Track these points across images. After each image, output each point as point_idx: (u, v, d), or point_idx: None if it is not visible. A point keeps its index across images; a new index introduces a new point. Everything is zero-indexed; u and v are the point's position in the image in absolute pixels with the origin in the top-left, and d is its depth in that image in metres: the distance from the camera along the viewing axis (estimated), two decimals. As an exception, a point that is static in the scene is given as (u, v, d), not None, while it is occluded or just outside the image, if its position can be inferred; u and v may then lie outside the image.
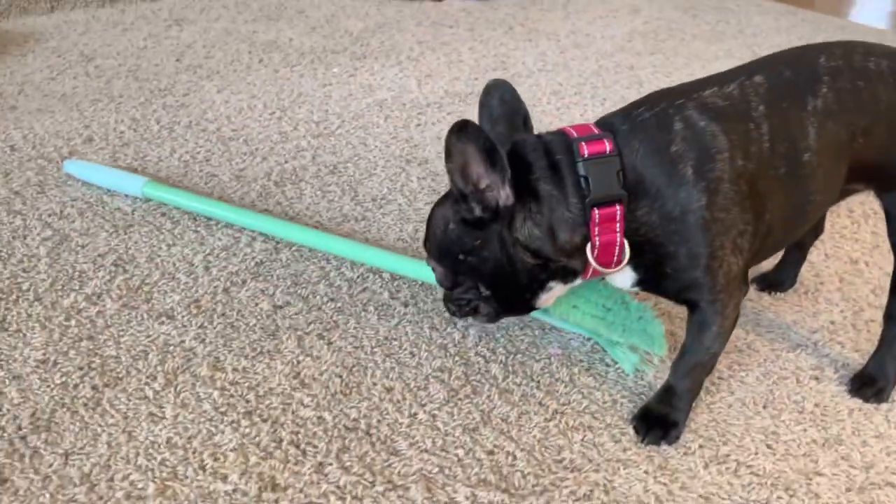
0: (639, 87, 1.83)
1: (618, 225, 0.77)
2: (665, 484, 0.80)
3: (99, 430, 0.80)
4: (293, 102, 1.57)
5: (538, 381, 0.92)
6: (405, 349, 0.95)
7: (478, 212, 0.78)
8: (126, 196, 1.20)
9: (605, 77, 1.88)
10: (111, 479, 0.75)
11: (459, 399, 0.88)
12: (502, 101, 0.85)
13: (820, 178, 0.81)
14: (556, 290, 0.83)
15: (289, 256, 1.10)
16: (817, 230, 1.08)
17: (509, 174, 0.75)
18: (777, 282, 1.11)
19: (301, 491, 0.75)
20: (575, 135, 0.78)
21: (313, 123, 1.50)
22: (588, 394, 0.91)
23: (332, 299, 1.02)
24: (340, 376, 0.90)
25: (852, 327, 1.05)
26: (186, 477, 0.76)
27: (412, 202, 1.27)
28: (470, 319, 0.91)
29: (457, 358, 0.94)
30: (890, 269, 0.92)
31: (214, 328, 0.95)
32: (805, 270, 1.12)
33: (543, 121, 1.61)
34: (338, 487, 0.76)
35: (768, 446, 0.86)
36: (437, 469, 0.79)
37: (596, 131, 0.79)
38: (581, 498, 0.78)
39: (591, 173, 0.76)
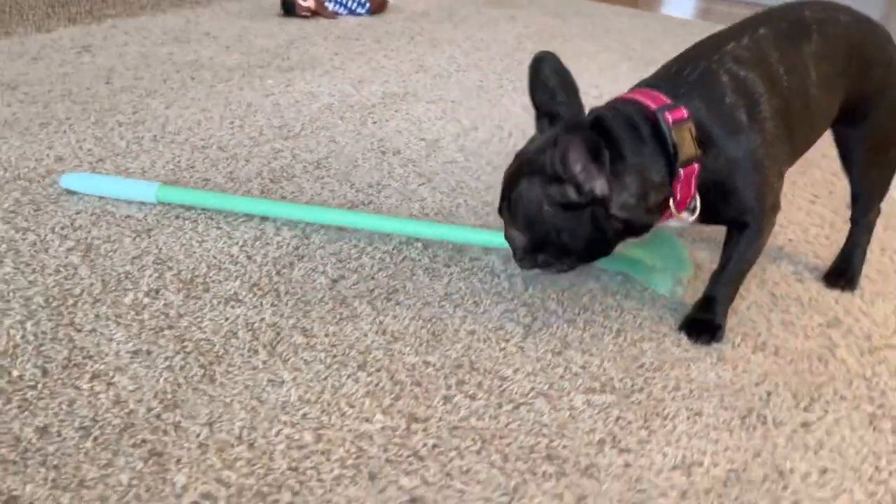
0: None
1: (694, 179, 0.89)
2: (729, 370, 0.94)
3: (228, 399, 0.81)
4: (246, 112, 1.59)
5: (592, 310, 1.03)
6: (468, 300, 1.02)
7: (574, 196, 0.86)
8: (130, 203, 1.18)
9: (517, 71, 2.04)
10: (265, 436, 0.77)
11: (535, 331, 0.97)
12: (555, 71, 0.93)
13: (822, 108, 0.98)
14: (631, 240, 0.94)
15: (321, 239, 1.14)
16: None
17: (608, 168, 0.84)
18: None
19: (441, 419, 0.81)
20: (651, 104, 0.89)
21: (276, 128, 1.53)
22: (637, 314, 1.03)
23: (380, 269, 1.08)
24: (425, 328, 0.96)
25: (806, 242, 1.26)
26: (333, 424, 0.79)
27: (406, 185, 1.34)
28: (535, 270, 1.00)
29: (515, 301, 1.03)
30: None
31: (287, 305, 0.98)
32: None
33: (481, 111, 1.74)
34: (471, 412, 0.83)
35: (792, 332, 1.02)
36: (547, 385, 0.88)
37: (667, 99, 0.89)
38: (672, 388, 0.89)
39: (678, 139, 0.87)
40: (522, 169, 0.91)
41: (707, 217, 0.96)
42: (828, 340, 1.02)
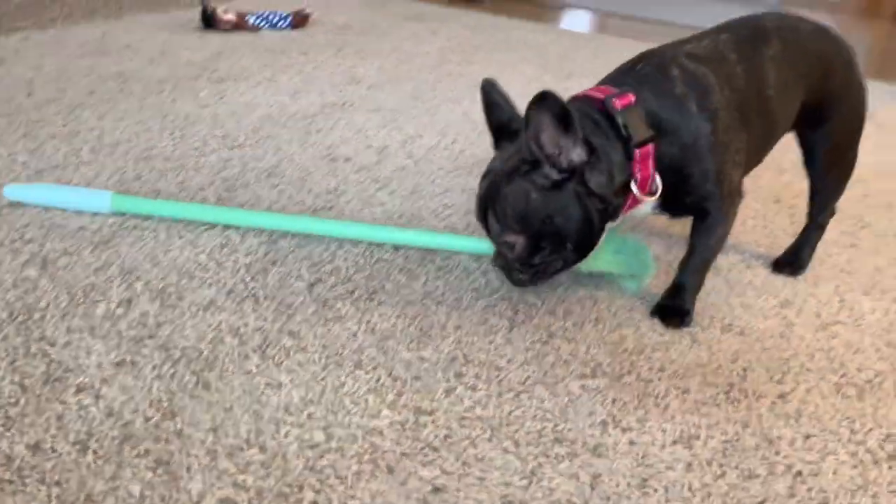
0: (476, 87, 2.05)
1: (650, 161, 0.93)
2: (705, 351, 0.98)
3: (228, 404, 0.78)
4: (184, 123, 1.55)
5: (568, 301, 1.06)
6: (449, 297, 1.03)
7: (555, 175, 0.89)
8: (80, 214, 1.12)
9: (448, 82, 2.07)
10: (274, 438, 0.75)
11: (519, 324, 0.99)
12: (500, 93, 0.99)
13: (780, 110, 1.05)
14: (606, 229, 0.97)
15: (290, 244, 1.12)
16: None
17: (580, 134, 0.88)
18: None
19: (448, 411, 0.82)
20: (600, 95, 0.93)
21: (219, 138, 1.49)
22: (611, 303, 1.07)
23: (356, 271, 1.07)
24: (412, 325, 0.96)
25: (745, 233, 1.34)
26: (341, 422, 0.78)
27: (364, 190, 1.34)
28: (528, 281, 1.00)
29: (495, 297, 1.05)
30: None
31: (268, 309, 0.95)
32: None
33: (421, 120, 1.76)
34: (475, 402, 0.83)
35: (752, 314, 1.08)
36: (541, 373, 0.90)
37: (614, 89, 0.94)
38: (658, 370, 0.93)
39: (628, 121, 0.91)
40: (498, 179, 0.93)
41: (671, 205, 1.00)
42: (784, 320, 1.08)
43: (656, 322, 1.03)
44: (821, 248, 1.29)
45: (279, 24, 2.45)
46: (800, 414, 0.88)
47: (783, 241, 1.31)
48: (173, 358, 0.84)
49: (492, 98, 0.99)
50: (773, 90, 1.02)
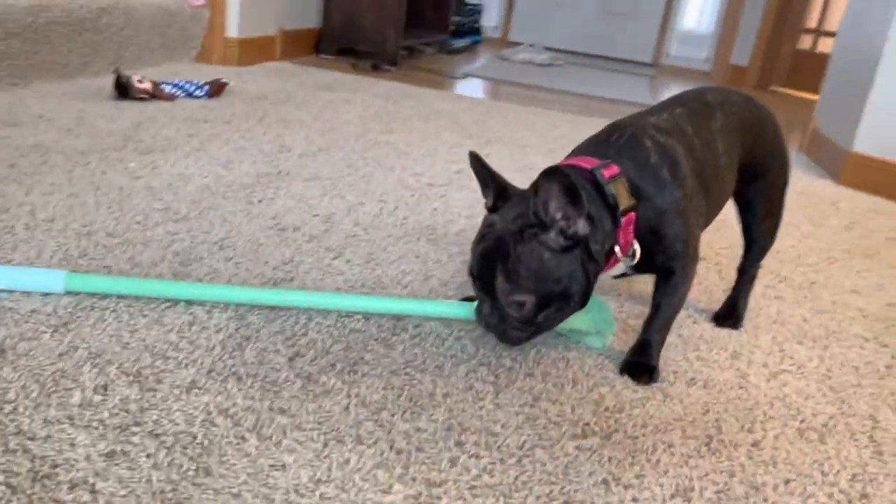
0: (405, 154, 2.10)
1: (632, 227, 1.00)
2: (678, 405, 1.03)
3: (235, 490, 0.75)
4: (120, 196, 1.49)
5: (544, 364, 1.09)
6: (430, 365, 1.04)
7: (562, 241, 0.95)
8: (29, 296, 1.06)
9: (376, 151, 2.11)
10: (292, 524, 0.72)
11: (504, 387, 1.01)
12: (484, 165, 1.04)
13: (728, 176, 1.15)
14: None
15: (259, 318, 1.09)
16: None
17: (586, 209, 0.94)
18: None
19: (457, 481, 0.82)
20: (587, 166, 1.01)
21: (160, 211, 1.45)
22: (582, 363, 1.10)
23: (333, 342, 1.06)
24: (402, 395, 0.96)
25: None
26: (355, 500, 0.76)
27: (320, 260, 1.33)
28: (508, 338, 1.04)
29: (473, 362, 1.06)
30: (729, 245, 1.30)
31: (253, 387, 0.93)
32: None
33: (359, 187, 1.78)
34: (481, 470, 0.84)
35: (709, 366, 1.15)
36: (536, 437, 0.91)
37: (598, 161, 1.01)
38: (641, 426, 0.97)
39: (616, 191, 0.99)
40: (506, 239, 0.97)
41: (641, 265, 1.07)
42: (738, 371, 1.15)
43: (627, 380, 1.07)
44: (752, 301, 1.39)
45: (196, 92, 2.42)
46: (775, 460, 0.94)
47: (718, 295, 1.40)
48: (166, 445, 0.80)
49: (484, 165, 1.03)
50: (722, 158, 1.12)
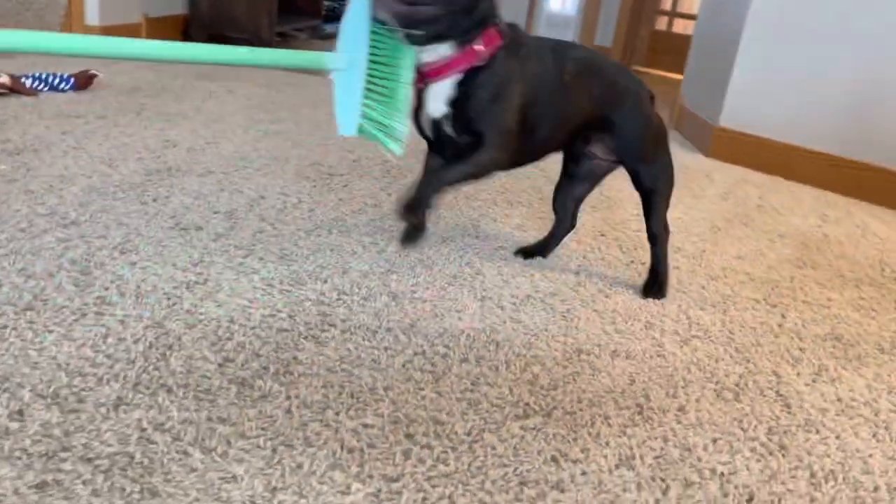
0: (298, 143, 2.05)
1: (493, 46, 1.15)
2: (607, 378, 1.07)
3: (189, 509, 0.72)
4: (5, 202, 1.37)
5: (476, 348, 1.10)
6: (365, 359, 1.02)
7: None
8: (-85, 320, 0.95)
9: (268, 142, 2.04)
10: (256, 536, 0.70)
11: (442, 374, 1.01)
12: None
13: (573, 105, 1.26)
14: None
15: (179, 326, 1.04)
16: (573, 223, 1.49)
17: None
18: (538, 250, 1.48)
19: (413, 473, 0.81)
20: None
21: (46, 216, 1.34)
22: (512, 345, 1.12)
23: (262, 344, 1.02)
24: (343, 392, 0.94)
25: (596, 262, 1.48)
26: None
27: (231, 259, 1.28)
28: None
29: (408, 351, 1.06)
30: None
31: (187, 398, 0.88)
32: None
33: (257, 181, 1.72)
34: (436, 460, 0.84)
35: (627, 338, 1.20)
36: (482, 421, 0.92)
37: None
38: (576, 401, 1.00)
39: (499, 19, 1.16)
40: None
41: (460, 117, 1.15)
42: (654, 340, 1.21)
43: (557, 357, 1.11)
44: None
45: (61, 86, 2.25)
46: (700, 422, 1.00)
47: (621, 269, 1.47)
48: (102, 469, 0.75)
49: None
50: (571, 86, 1.24)
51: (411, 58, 1.13)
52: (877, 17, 2.38)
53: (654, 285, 1.38)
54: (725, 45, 2.85)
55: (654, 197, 1.37)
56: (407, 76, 1.13)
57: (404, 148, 1.11)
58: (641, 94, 1.35)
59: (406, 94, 1.14)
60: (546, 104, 1.22)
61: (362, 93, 1.12)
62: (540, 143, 1.27)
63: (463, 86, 1.14)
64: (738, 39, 2.70)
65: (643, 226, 1.40)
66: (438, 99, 1.15)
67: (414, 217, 1.15)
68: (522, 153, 1.25)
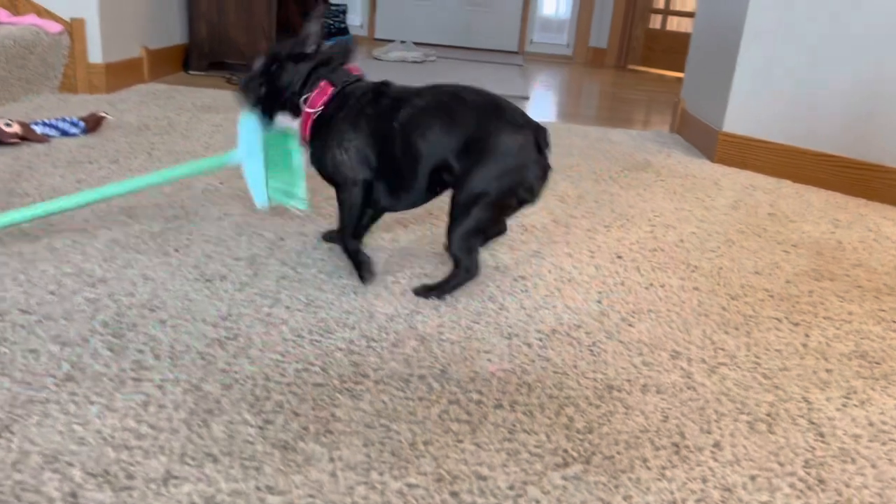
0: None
1: (325, 97, 1.39)
2: (640, 416, 1.09)
3: (249, 588, 0.73)
4: (24, 263, 1.38)
5: (509, 392, 1.11)
6: (402, 412, 1.04)
7: (294, 52, 1.39)
8: (-41, 400, 0.97)
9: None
10: None
11: (479, 424, 1.02)
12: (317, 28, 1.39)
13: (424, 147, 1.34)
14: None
15: (215, 388, 1.05)
16: (501, 229, 1.51)
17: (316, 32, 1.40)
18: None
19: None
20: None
21: (73, 276, 1.35)
22: (544, 386, 1.14)
23: (299, 402, 1.04)
24: (384, 451, 0.95)
25: (612, 291, 1.49)
26: (372, 576, 0.76)
27: (258, 310, 1.29)
28: None
29: (443, 401, 1.07)
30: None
31: (233, 467, 0.89)
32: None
33: (275, 220, 1.73)
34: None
35: (653, 369, 1.21)
36: (523, 473, 0.94)
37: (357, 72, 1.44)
38: (614, 444, 1.01)
39: (336, 72, 1.42)
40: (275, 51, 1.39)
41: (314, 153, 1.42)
42: (682, 370, 1.22)
43: (589, 395, 1.12)
44: (675, 295, 1.47)
45: (71, 130, 2.27)
46: (737, 458, 1.01)
47: (641, 293, 1.48)
48: (161, 550, 0.76)
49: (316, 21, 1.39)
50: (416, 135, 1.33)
51: (294, 137, 1.45)
52: (879, 14, 2.39)
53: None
54: (725, 47, 2.86)
55: None
56: (295, 150, 1.50)
57: (309, 203, 1.39)
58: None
59: (298, 162, 1.51)
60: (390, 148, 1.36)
61: (264, 172, 1.41)
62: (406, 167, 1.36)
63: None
64: (738, 41, 2.71)
65: (658, 244, 1.41)
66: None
67: (368, 277, 1.42)
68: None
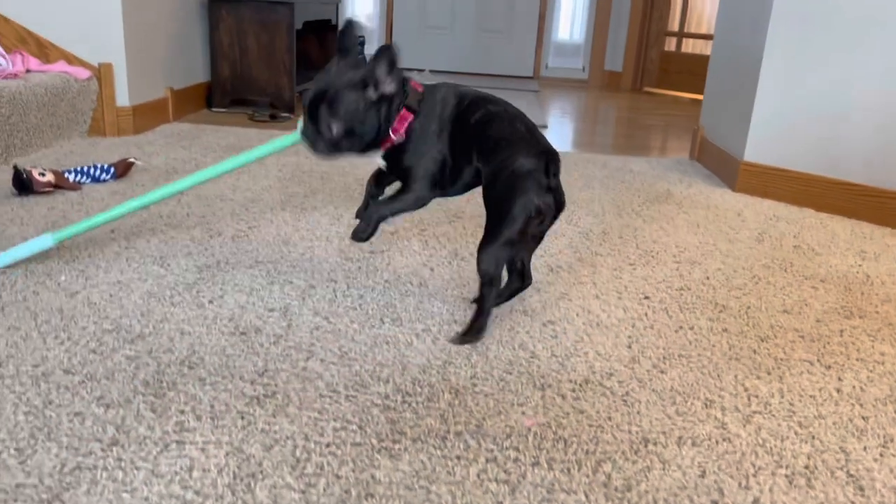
0: (336, 219, 2.08)
1: (406, 123, 1.44)
2: (677, 471, 1.09)
3: None
4: (64, 320, 1.41)
5: (545, 448, 1.12)
6: (440, 472, 1.05)
7: (373, 97, 1.39)
8: (8, 467, 0.99)
9: (307, 219, 2.08)
10: None
11: (517, 483, 1.03)
12: (353, 33, 1.43)
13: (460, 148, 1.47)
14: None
15: (257, 450, 1.07)
16: (525, 283, 1.57)
17: (398, 76, 1.39)
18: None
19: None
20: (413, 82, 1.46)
21: (112, 332, 1.38)
22: (580, 441, 1.14)
23: (340, 464, 1.05)
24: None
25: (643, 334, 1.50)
26: None
27: (294, 365, 1.31)
28: None
29: (481, 460, 1.08)
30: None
31: (278, 534, 0.91)
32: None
33: (305, 265, 1.75)
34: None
35: (687, 420, 1.22)
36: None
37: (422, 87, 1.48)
38: (653, 501, 1.02)
39: (410, 92, 1.45)
40: (334, 84, 1.36)
41: (394, 166, 1.50)
42: (716, 420, 1.23)
43: (625, 450, 1.12)
44: (704, 338, 1.47)
45: (102, 176, 2.32)
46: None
47: (671, 336, 1.48)
48: None
49: (348, 29, 1.42)
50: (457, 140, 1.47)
51: None
52: (897, 49, 2.40)
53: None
54: (744, 74, 2.86)
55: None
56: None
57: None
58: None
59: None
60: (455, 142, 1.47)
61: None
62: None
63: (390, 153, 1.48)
64: (757, 69, 2.72)
65: (685, 282, 1.42)
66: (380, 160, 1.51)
67: (364, 240, 1.51)
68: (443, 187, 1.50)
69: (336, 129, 1.37)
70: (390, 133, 1.42)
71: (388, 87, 1.37)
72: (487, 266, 1.39)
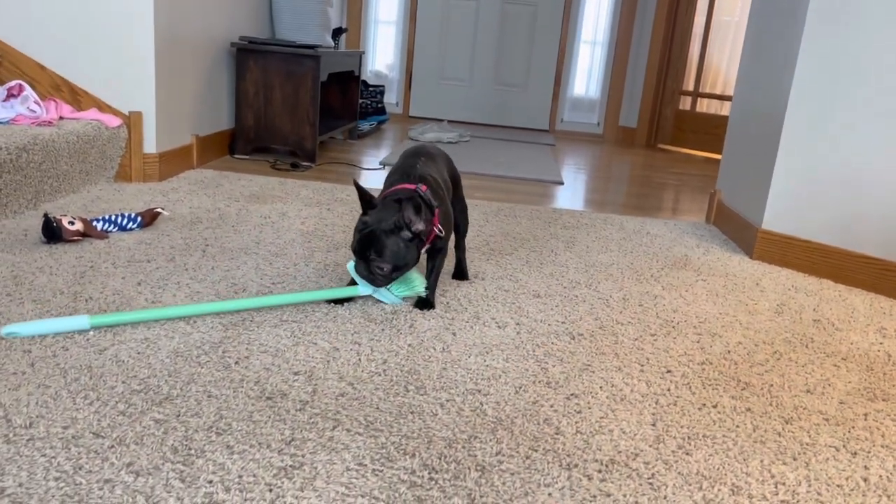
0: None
1: (437, 217, 1.84)
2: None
3: None
4: (92, 379, 1.42)
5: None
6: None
7: (409, 236, 1.77)
8: (42, 539, 0.99)
9: (330, 275, 2.09)
10: None
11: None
12: (362, 188, 1.83)
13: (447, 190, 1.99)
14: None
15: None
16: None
17: (424, 216, 1.77)
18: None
19: None
20: (412, 187, 1.82)
21: (140, 393, 1.39)
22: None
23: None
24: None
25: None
26: None
27: (321, 434, 1.32)
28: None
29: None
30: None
31: None
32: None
33: (328, 325, 1.77)
34: None
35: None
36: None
37: (413, 185, 1.83)
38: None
39: (432, 199, 1.83)
40: (377, 232, 1.74)
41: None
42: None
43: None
44: (728, 418, 1.47)
45: (128, 225, 2.35)
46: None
47: (695, 414, 1.48)
48: None
49: (362, 188, 1.79)
50: (443, 181, 1.98)
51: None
52: (918, 127, 2.42)
53: (460, 273, 2.24)
54: (764, 140, 2.89)
55: (461, 223, 2.19)
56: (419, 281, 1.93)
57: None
58: (449, 158, 2.18)
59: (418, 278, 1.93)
60: (444, 189, 1.97)
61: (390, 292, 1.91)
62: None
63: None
64: (777, 137, 2.74)
65: (706, 356, 1.42)
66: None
67: (432, 306, 1.94)
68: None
69: (385, 269, 1.77)
70: (434, 231, 1.84)
71: (418, 226, 1.74)
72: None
